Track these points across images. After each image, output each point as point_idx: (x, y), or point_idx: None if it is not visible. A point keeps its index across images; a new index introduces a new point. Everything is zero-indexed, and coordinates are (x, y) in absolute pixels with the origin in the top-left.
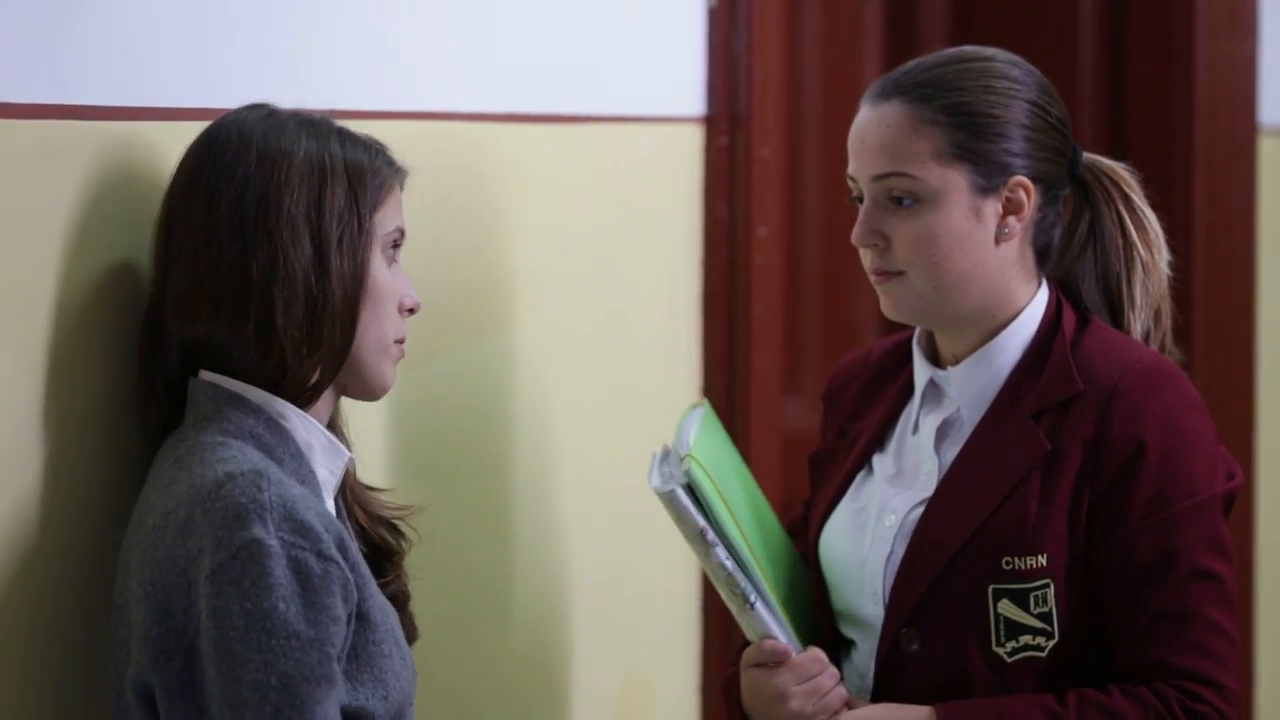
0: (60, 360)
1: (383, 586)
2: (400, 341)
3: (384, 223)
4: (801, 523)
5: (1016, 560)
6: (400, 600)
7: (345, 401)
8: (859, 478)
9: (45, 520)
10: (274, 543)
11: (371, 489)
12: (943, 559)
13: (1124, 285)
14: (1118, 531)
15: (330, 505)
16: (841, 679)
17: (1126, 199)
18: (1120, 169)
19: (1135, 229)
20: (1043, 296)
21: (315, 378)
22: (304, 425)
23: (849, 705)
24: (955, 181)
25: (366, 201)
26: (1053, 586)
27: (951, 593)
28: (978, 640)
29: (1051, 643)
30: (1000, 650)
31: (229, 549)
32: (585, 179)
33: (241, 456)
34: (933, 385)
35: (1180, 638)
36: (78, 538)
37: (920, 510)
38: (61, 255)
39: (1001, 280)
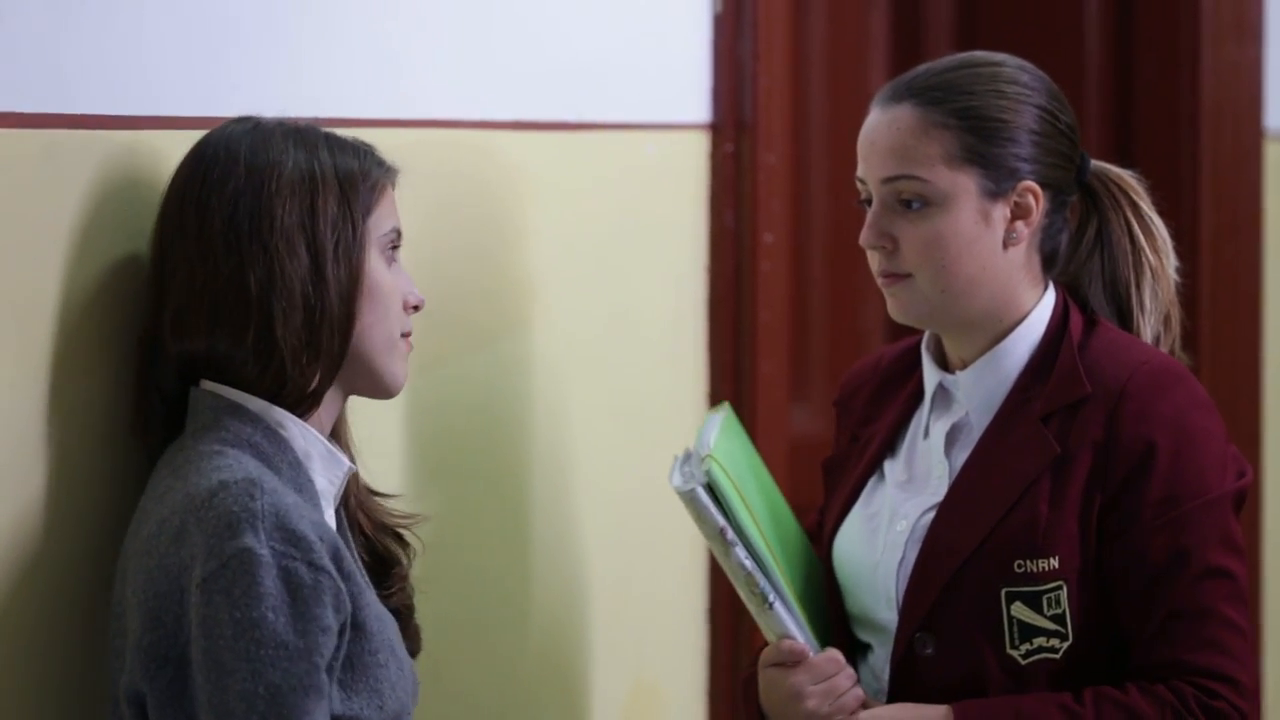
0: (63, 367)
1: (385, 598)
2: (407, 335)
3: (379, 225)
4: (816, 529)
5: (1028, 563)
6: (403, 612)
7: (354, 406)
8: (871, 483)
9: (47, 527)
10: (265, 552)
11: (378, 494)
12: (955, 563)
13: (1133, 291)
14: (1130, 532)
15: (330, 514)
16: (858, 680)
17: (1134, 206)
18: (1128, 176)
19: (1144, 235)
20: (1049, 300)
21: (314, 384)
22: (302, 434)
23: (865, 706)
24: (965, 185)
25: (359, 206)
26: (1065, 588)
27: (964, 596)
28: (992, 643)
29: (1065, 644)
30: (1014, 653)
31: (220, 558)
32: (591, 186)
33: (237, 465)
34: (942, 390)
35: (1195, 635)
36: (79, 545)
37: (931, 515)
38: (65, 263)
39: (1009, 284)
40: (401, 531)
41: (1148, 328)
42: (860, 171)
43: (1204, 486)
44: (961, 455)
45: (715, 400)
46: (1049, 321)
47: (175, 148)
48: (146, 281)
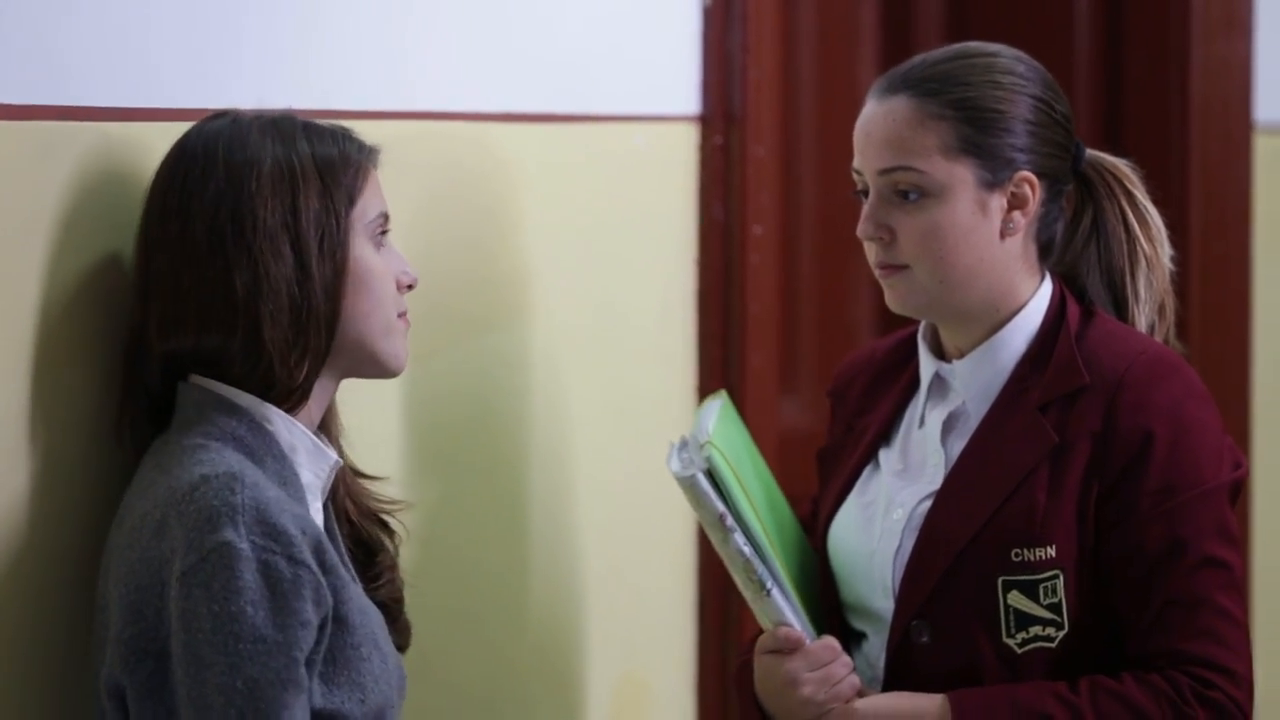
0: (53, 362)
1: (374, 590)
2: (404, 315)
3: (364, 213)
4: (810, 518)
5: (1026, 552)
6: (391, 606)
7: (346, 397)
8: (866, 472)
9: (33, 523)
10: (244, 546)
11: (365, 476)
12: (952, 552)
13: (1128, 280)
14: (1127, 521)
15: (317, 508)
16: (854, 668)
17: (1129, 195)
18: (1122, 165)
19: (1138, 224)
20: (1046, 290)
21: (301, 379)
22: (288, 428)
23: (860, 695)
24: (961, 176)
25: (342, 197)
26: (1062, 577)
27: (961, 585)
28: (988, 632)
29: (1061, 633)
30: (1010, 641)
31: (199, 551)
32: (580, 178)
33: (219, 459)
34: (938, 379)
35: (1191, 625)
36: (65, 540)
37: (928, 503)
38: (58, 256)
39: (1006, 274)
40: (386, 518)
41: (1142, 316)
42: (856, 163)
43: (1201, 477)
44: (958, 444)
45: (705, 393)
46: (1046, 311)
47: (169, 140)
48: (132, 281)
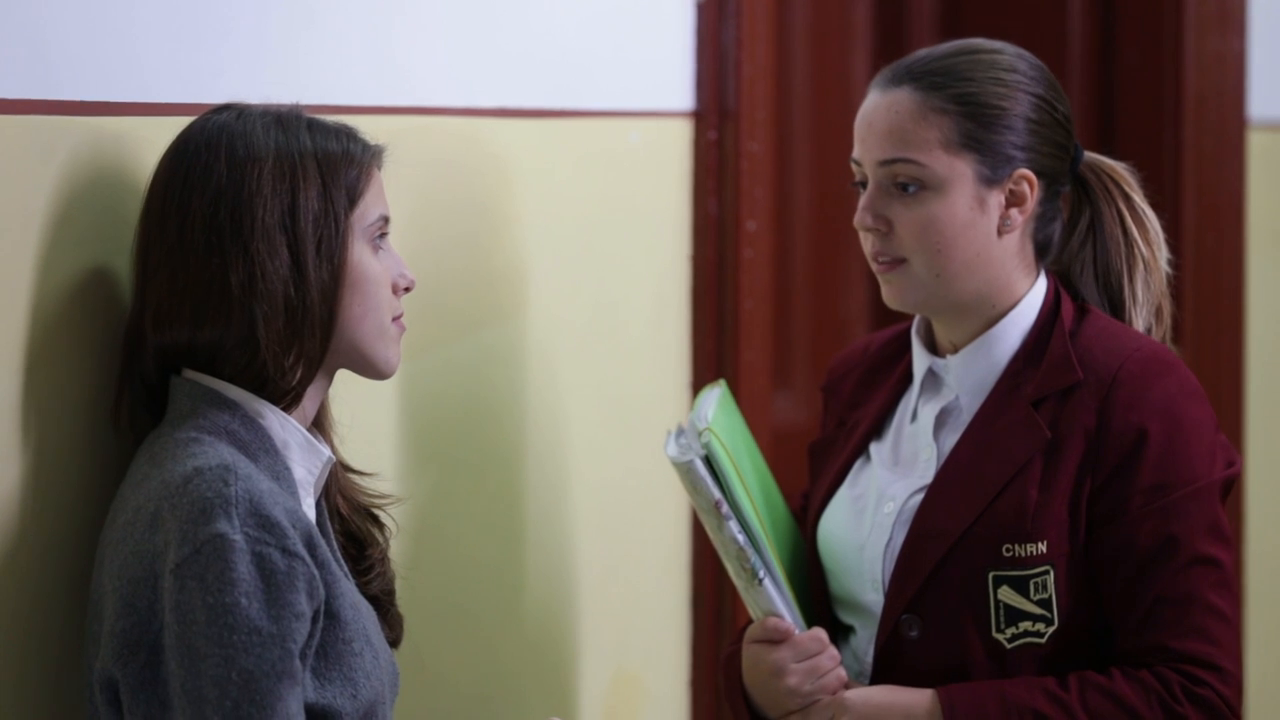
0: (46, 356)
1: (365, 585)
2: (399, 318)
3: (365, 215)
4: (800, 512)
5: (1017, 547)
6: (382, 599)
7: (338, 394)
8: (857, 465)
9: (26, 517)
10: (238, 538)
11: (355, 472)
12: (943, 546)
13: (1125, 282)
14: (1119, 518)
15: (310, 504)
16: (840, 661)
17: (1127, 198)
18: (1120, 168)
19: (1136, 227)
20: (1041, 287)
21: (295, 381)
22: (281, 424)
23: (846, 688)
24: (961, 171)
25: (342, 199)
26: (1053, 573)
27: (952, 580)
28: (978, 627)
29: (1051, 629)
30: (1000, 636)
31: (193, 543)
32: (574, 173)
33: (212, 452)
34: (931, 374)
35: (1181, 622)
36: (59, 534)
37: (919, 497)
38: (49, 251)
39: (1002, 271)
40: (377, 512)
41: (1139, 319)
42: (856, 153)
43: (1193, 475)
44: (950, 438)
45: (699, 388)
46: (1041, 308)
47: (162, 135)
48: (131, 271)
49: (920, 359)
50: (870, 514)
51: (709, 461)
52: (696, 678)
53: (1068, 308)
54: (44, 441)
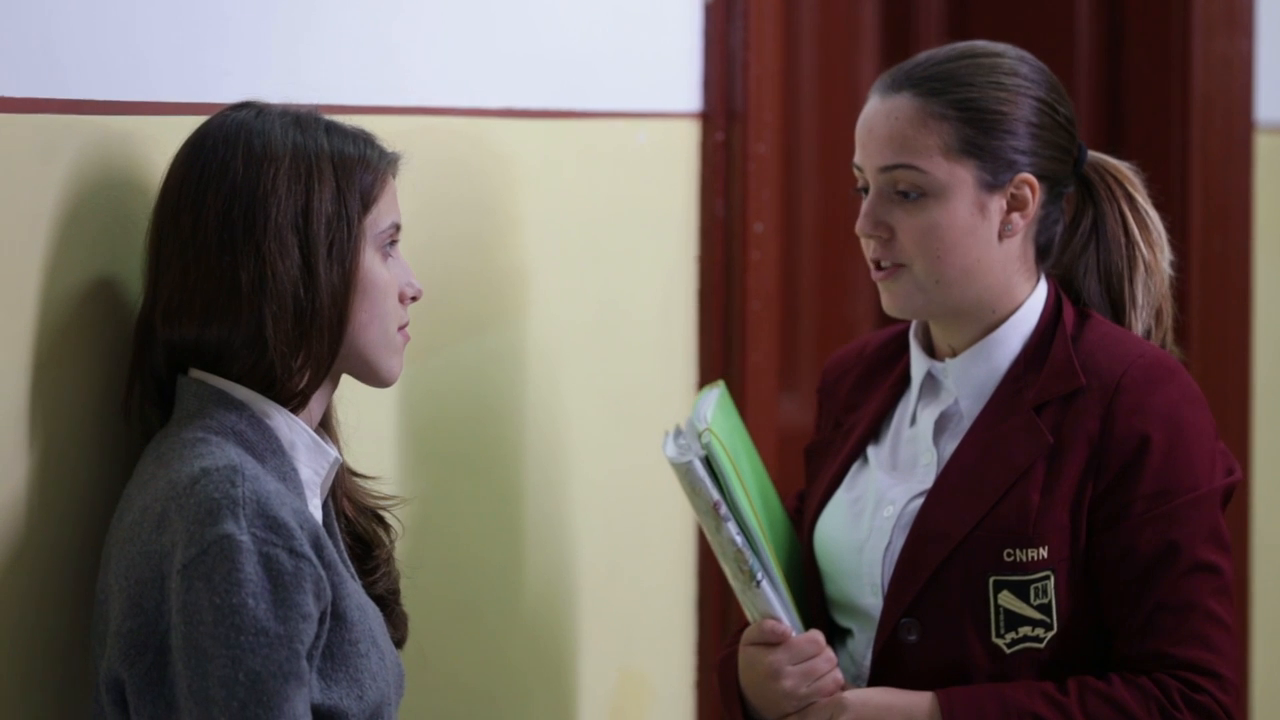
0: (52, 355)
1: (370, 585)
2: (404, 328)
3: (378, 221)
4: (796, 514)
5: (1018, 552)
6: (388, 599)
7: (345, 393)
8: (854, 468)
9: (34, 517)
10: (245, 538)
11: (359, 475)
12: (944, 550)
13: (1126, 284)
14: (1119, 524)
15: (316, 504)
16: (837, 664)
17: (1130, 198)
18: (1124, 168)
19: (1138, 228)
20: (1042, 291)
21: (303, 385)
22: (288, 424)
23: (842, 690)
24: (962, 177)
25: (356, 204)
26: (1053, 578)
27: (952, 584)
28: (977, 631)
29: (1050, 634)
30: (999, 641)
31: (200, 544)
32: (581, 174)
33: (219, 452)
34: (930, 378)
35: (1181, 629)
36: (66, 535)
37: (919, 501)
38: (55, 250)
39: (1003, 275)
40: (382, 513)
41: (1139, 321)
42: (857, 159)
43: (1195, 482)
44: (950, 443)
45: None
46: (1041, 313)
47: (169, 134)
48: (144, 265)
49: (919, 363)
50: (869, 517)
51: (708, 462)
52: (703, 678)
53: (1069, 312)
54: (51, 441)
